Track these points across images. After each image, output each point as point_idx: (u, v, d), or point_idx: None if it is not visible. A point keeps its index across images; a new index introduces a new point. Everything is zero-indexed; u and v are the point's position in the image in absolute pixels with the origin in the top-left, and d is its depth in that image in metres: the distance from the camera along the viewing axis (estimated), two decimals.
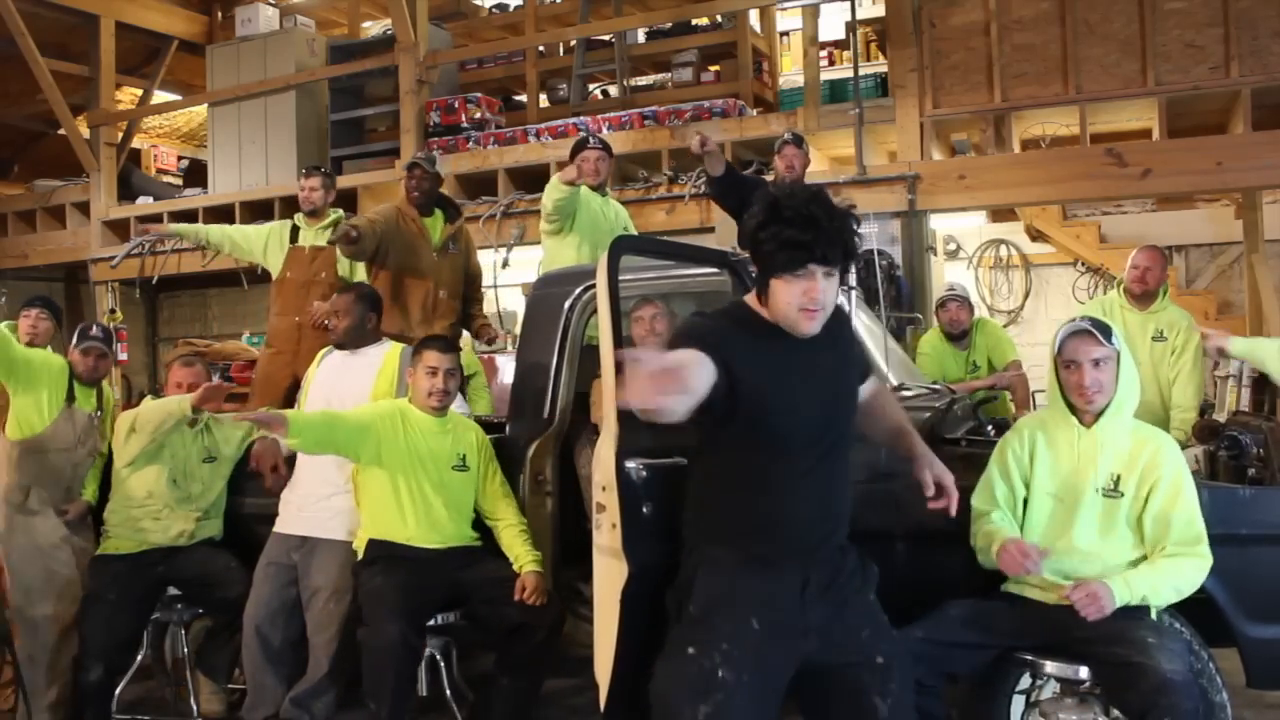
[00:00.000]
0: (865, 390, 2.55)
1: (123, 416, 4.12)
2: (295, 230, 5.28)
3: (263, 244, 5.28)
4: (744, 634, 2.27)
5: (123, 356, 8.83)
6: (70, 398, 4.18)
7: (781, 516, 2.32)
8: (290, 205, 6.59)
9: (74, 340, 4.26)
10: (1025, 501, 2.96)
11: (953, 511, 2.37)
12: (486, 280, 6.86)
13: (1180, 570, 2.77)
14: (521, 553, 3.60)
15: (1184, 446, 3.86)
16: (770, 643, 2.29)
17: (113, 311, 8.80)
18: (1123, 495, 2.84)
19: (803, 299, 2.20)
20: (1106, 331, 2.89)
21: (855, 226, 2.26)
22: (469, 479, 3.71)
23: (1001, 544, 2.85)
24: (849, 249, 2.23)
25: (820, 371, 2.34)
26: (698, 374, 2.10)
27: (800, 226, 2.18)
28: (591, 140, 4.90)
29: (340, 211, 5.42)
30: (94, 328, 4.31)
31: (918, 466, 2.53)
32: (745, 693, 2.24)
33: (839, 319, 2.43)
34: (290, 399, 5.23)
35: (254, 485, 4.15)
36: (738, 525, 2.36)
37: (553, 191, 4.65)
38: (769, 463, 2.32)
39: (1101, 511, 2.85)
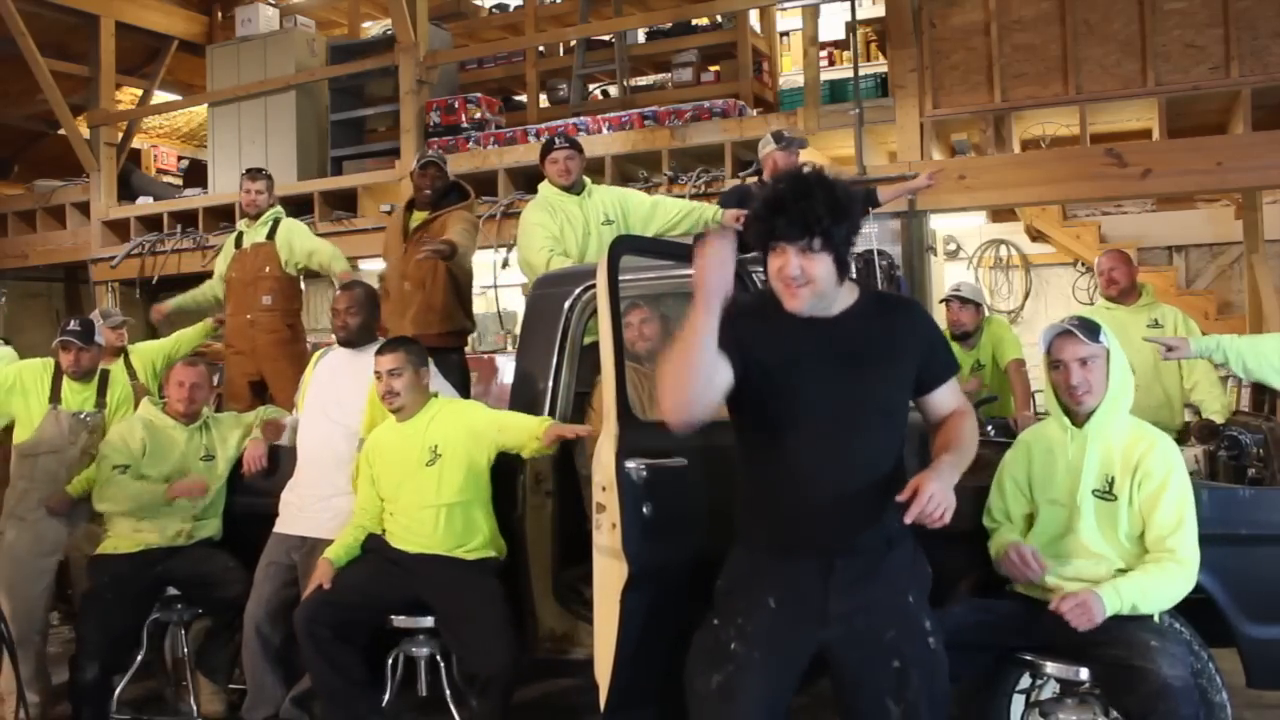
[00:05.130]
0: (936, 396, 2.41)
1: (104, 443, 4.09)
2: (240, 236, 5.39)
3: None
4: (760, 612, 2.32)
5: None
6: (55, 397, 4.16)
7: (795, 501, 2.30)
8: (291, 205, 6.57)
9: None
10: (1031, 516, 2.96)
11: (908, 518, 2.15)
12: (487, 280, 6.87)
13: (1167, 576, 2.72)
14: (530, 425, 3.53)
15: (1225, 426, 3.86)
16: (785, 623, 2.31)
17: None
18: (1116, 498, 2.82)
19: (778, 275, 2.28)
20: (1094, 330, 2.87)
21: (837, 197, 2.23)
22: (435, 470, 3.56)
23: (1004, 549, 2.86)
24: (813, 224, 2.20)
25: (843, 354, 2.29)
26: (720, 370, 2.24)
27: (765, 206, 2.27)
28: (558, 141, 4.70)
29: (279, 208, 5.43)
30: (72, 321, 4.28)
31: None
32: (756, 668, 2.30)
33: (907, 312, 2.42)
34: (258, 394, 5.24)
35: (254, 485, 4.16)
36: (758, 509, 2.38)
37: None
38: (778, 445, 2.32)
39: (1099, 514, 2.83)
